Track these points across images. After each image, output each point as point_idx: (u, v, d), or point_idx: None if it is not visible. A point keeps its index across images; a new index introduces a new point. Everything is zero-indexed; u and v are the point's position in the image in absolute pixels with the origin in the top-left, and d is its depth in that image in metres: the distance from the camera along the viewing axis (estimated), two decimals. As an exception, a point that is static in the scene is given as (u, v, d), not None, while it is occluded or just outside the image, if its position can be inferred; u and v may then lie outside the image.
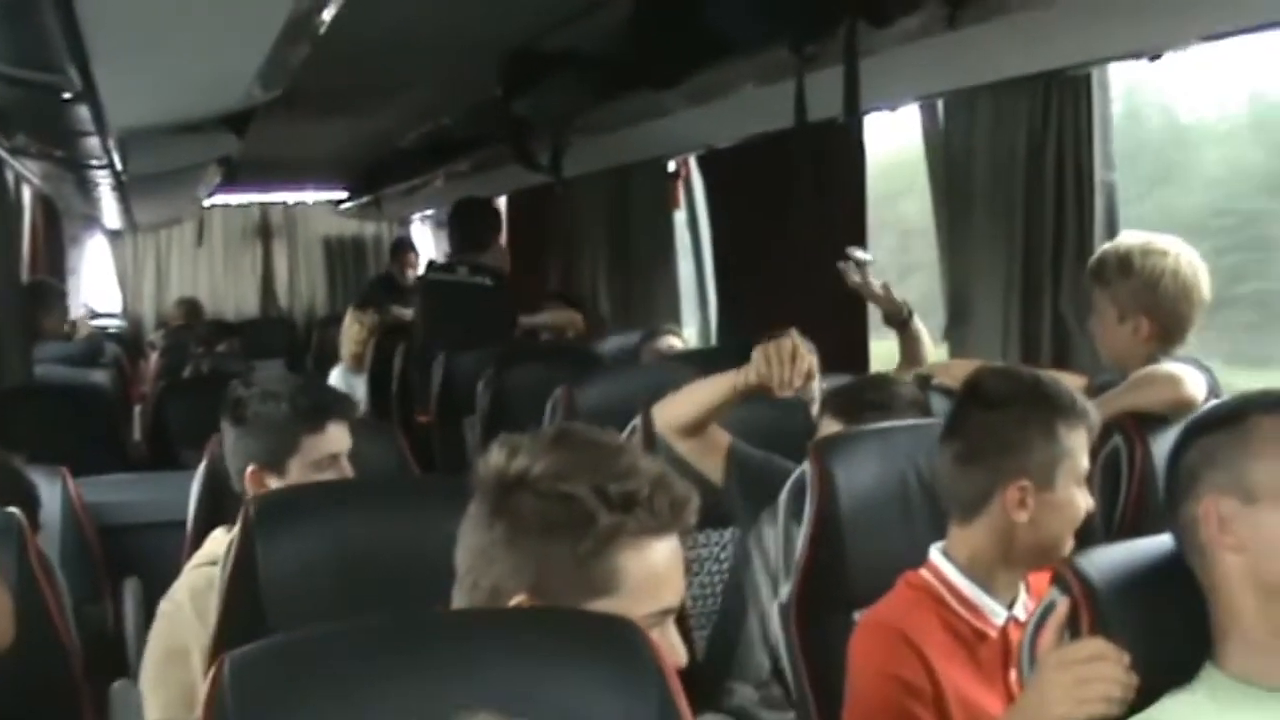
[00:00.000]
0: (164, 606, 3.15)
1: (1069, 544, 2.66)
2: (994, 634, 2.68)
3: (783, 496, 3.31)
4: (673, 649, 1.93)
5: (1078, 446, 2.68)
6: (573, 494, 1.91)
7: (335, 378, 8.56)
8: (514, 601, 1.92)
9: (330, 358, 9.48)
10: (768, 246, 6.31)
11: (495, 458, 1.98)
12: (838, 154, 4.66)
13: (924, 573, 2.74)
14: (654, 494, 1.93)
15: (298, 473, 3.22)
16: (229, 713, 1.66)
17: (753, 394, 3.41)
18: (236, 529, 2.69)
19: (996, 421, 2.68)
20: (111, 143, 4.96)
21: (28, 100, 3.82)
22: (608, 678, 1.78)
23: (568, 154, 7.33)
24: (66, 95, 3.69)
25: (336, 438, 3.28)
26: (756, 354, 3.28)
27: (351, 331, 8.79)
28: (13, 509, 2.91)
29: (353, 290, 14.19)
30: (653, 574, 1.94)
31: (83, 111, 4.02)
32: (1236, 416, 2.15)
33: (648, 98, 5.77)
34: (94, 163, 5.54)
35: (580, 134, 7.09)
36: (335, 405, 3.33)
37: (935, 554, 2.74)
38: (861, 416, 3.48)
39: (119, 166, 5.74)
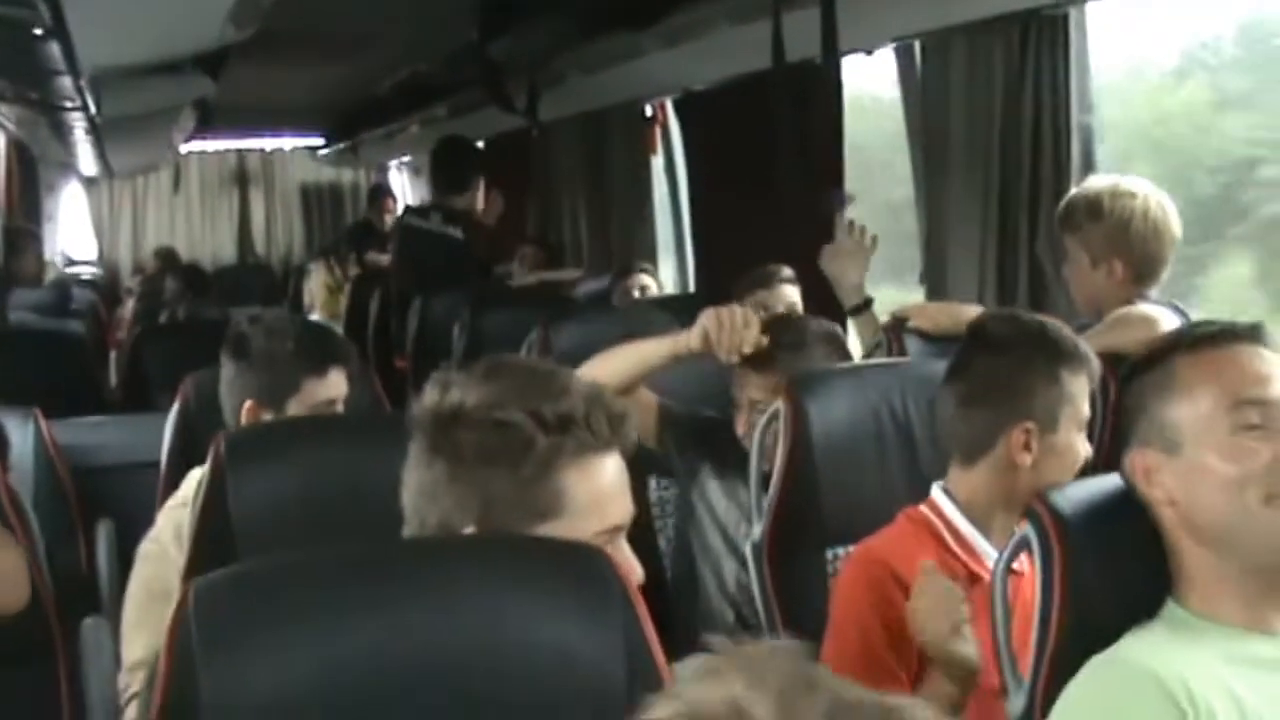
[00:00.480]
0: (146, 547, 3.13)
1: None
2: (988, 578, 2.67)
3: (754, 436, 3.30)
4: (628, 564, 1.93)
5: (1079, 392, 2.69)
6: (508, 420, 1.91)
7: None
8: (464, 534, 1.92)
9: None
10: (745, 190, 6.29)
11: (429, 395, 1.99)
12: (815, 96, 4.64)
13: (924, 509, 2.75)
14: (590, 412, 1.94)
15: (295, 413, 3.20)
16: (193, 639, 1.65)
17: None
18: (207, 464, 2.68)
19: (1001, 365, 2.70)
20: (84, 83, 4.92)
21: (-1, 38, 3.79)
22: (574, 602, 1.77)
23: (544, 98, 7.28)
24: (37, 31, 3.66)
25: (336, 383, 3.26)
26: (705, 317, 3.24)
27: (321, 281, 8.72)
28: (-19, 447, 2.91)
29: (330, 237, 14.18)
30: (598, 492, 1.95)
31: (54, 49, 3.99)
32: (1159, 358, 2.15)
33: (624, 39, 5.74)
34: (67, 104, 5.51)
35: (557, 77, 7.04)
36: (339, 350, 3.32)
37: (937, 491, 2.75)
38: (775, 358, 3.47)
39: (92, 108, 5.70)
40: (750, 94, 5.65)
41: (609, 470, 1.97)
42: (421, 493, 1.96)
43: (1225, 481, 2.04)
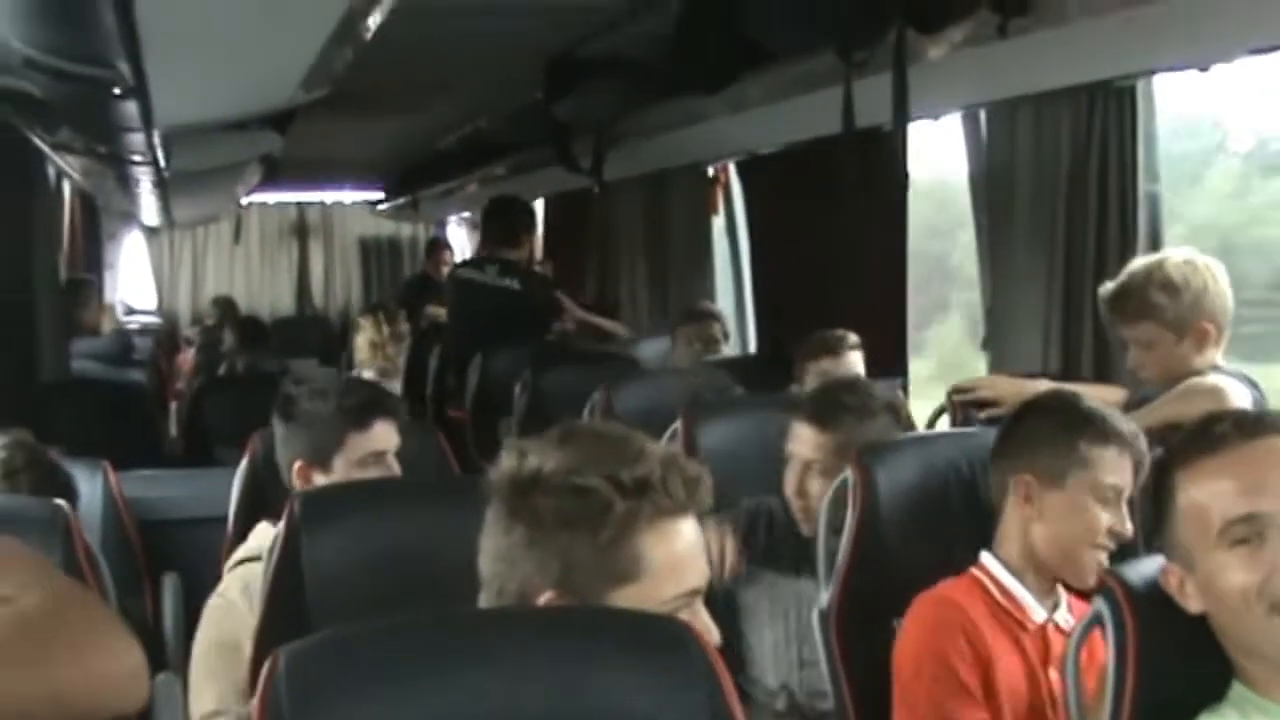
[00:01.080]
0: (214, 601, 3.16)
1: (1090, 558, 2.73)
2: (1033, 627, 2.76)
3: (823, 505, 3.29)
4: (706, 630, 1.94)
5: (1101, 463, 2.75)
6: (587, 486, 1.92)
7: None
8: (541, 599, 1.93)
9: (366, 358, 9.42)
10: (807, 252, 6.30)
11: (506, 462, 2.00)
12: (881, 162, 4.64)
13: (973, 569, 2.84)
14: (666, 476, 1.95)
15: (343, 470, 3.24)
16: (283, 705, 1.67)
17: None
18: (281, 525, 2.70)
19: (1022, 425, 2.87)
20: (156, 139, 4.96)
21: (76, 95, 3.81)
22: (658, 672, 1.78)
23: (608, 158, 7.30)
24: (116, 91, 3.69)
25: (382, 436, 3.29)
26: None
27: (367, 338, 8.61)
28: (59, 500, 2.92)
29: (388, 289, 14.21)
30: (675, 555, 1.96)
31: (131, 107, 4.01)
32: (1163, 473, 2.18)
33: (691, 103, 5.77)
34: (137, 159, 5.53)
35: (620, 138, 7.07)
36: (382, 404, 3.35)
37: (984, 554, 2.84)
38: (839, 421, 3.47)
39: (162, 163, 5.74)
40: (814, 157, 5.65)
41: (685, 533, 1.98)
42: (500, 558, 1.97)
43: (1232, 596, 2.07)
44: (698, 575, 1.99)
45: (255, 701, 1.70)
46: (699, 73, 5.34)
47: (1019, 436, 2.84)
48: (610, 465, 1.94)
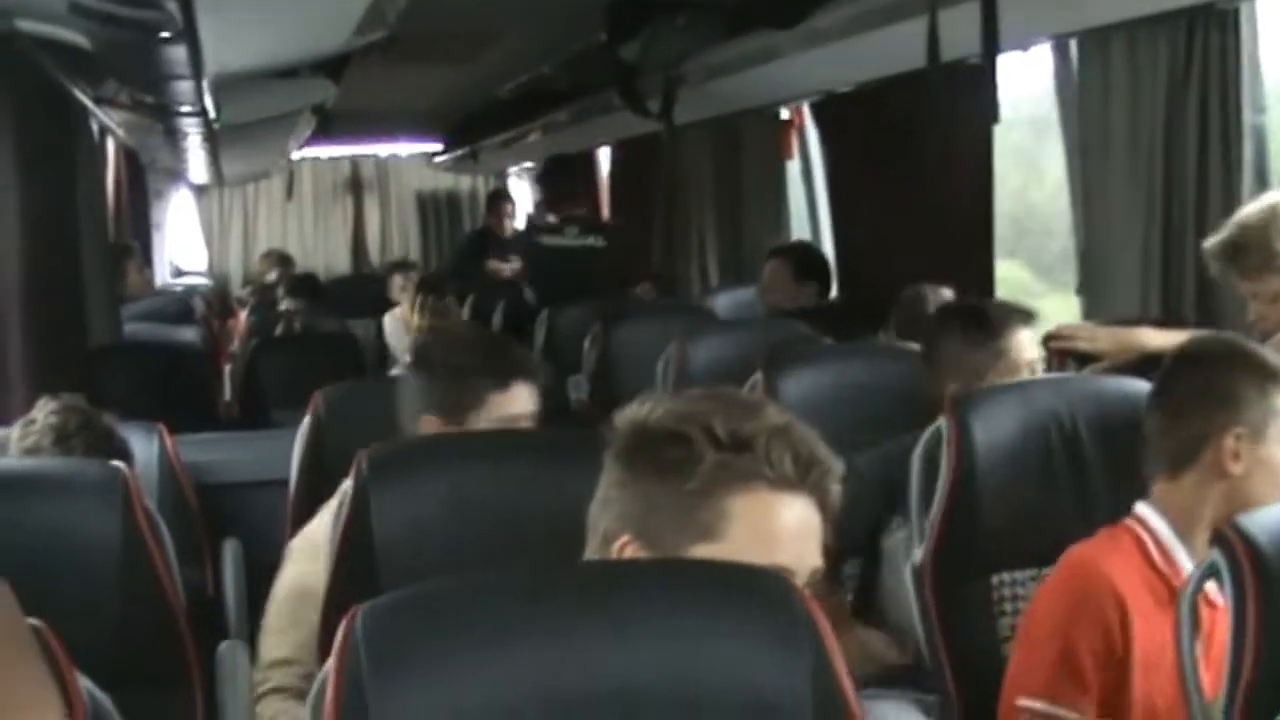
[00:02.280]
0: (297, 543, 3.09)
1: None
2: None
3: (914, 458, 3.17)
4: None
5: None
6: (683, 433, 1.88)
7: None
8: (619, 543, 1.89)
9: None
10: (888, 197, 6.20)
11: (630, 409, 1.96)
12: (967, 97, 4.49)
13: (1130, 523, 2.70)
14: (770, 442, 1.86)
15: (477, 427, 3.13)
16: (362, 664, 1.60)
17: None
18: (348, 483, 2.62)
19: (1212, 376, 2.70)
20: (205, 87, 4.84)
21: (121, 40, 3.73)
22: (758, 632, 1.67)
23: (678, 101, 7.16)
24: (165, 34, 3.58)
25: (522, 399, 3.16)
26: None
27: (404, 313, 8.52)
28: (118, 463, 2.84)
29: (447, 245, 14.11)
30: (764, 527, 1.86)
31: (179, 53, 3.91)
32: None
33: (763, 40, 5.62)
34: (186, 109, 5.42)
35: (691, 80, 6.92)
36: (526, 365, 3.23)
37: (1143, 507, 2.70)
38: None
39: (211, 114, 5.63)
40: (894, 95, 5.52)
41: (785, 511, 1.87)
42: (600, 501, 1.95)
43: None
44: (790, 557, 1.86)
45: (332, 662, 1.63)
46: (772, 7, 5.20)
47: (1212, 389, 2.67)
48: (715, 419, 1.88)
